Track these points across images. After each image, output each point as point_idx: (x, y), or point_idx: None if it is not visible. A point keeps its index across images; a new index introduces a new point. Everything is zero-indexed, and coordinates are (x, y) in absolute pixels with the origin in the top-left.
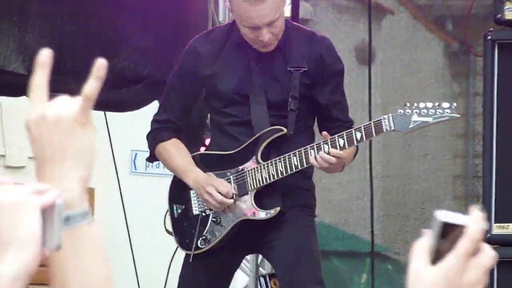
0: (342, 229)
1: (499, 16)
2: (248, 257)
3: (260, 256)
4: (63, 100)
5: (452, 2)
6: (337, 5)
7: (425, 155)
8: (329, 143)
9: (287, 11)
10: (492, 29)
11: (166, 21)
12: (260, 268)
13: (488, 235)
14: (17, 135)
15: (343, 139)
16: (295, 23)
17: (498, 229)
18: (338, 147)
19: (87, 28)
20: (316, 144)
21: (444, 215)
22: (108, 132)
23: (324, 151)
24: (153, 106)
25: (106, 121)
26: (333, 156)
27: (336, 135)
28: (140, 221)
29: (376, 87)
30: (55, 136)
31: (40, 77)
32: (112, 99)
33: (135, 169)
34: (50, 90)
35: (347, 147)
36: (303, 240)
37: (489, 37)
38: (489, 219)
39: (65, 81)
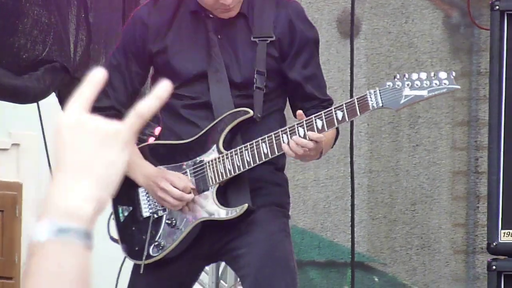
0: (319, 235)
1: None
2: (207, 268)
3: (221, 268)
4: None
5: None
6: None
7: (415, 146)
8: (305, 125)
9: None
10: None
11: None
12: (222, 281)
13: (495, 244)
14: None
15: (322, 120)
16: None
17: (506, 237)
18: (315, 129)
19: None
20: (289, 128)
21: None
22: (40, 117)
23: (300, 135)
24: None
25: (38, 104)
26: (311, 140)
27: (313, 115)
28: None
29: (360, 65)
30: (86, 145)
31: (88, 90)
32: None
33: None
34: None
35: (326, 129)
36: (276, 247)
37: (497, 7)
38: (495, 224)
39: None
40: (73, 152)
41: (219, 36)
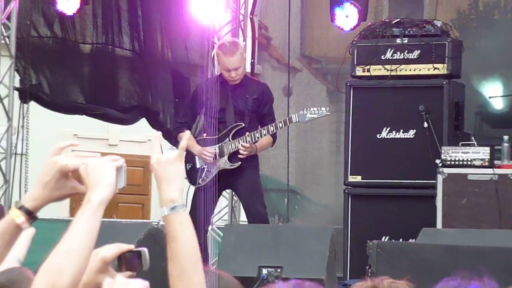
0: (277, 180)
1: (353, 73)
2: (226, 193)
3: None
4: (169, 152)
5: (331, 66)
6: (273, 67)
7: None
8: (265, 128)
9: (248, 68)
10: (350, 79)
11: (161, 74)
12: (234, 197)
13: (348, 181)
14: None
15: (273, 127)
16: (250, 76)
17: (352, 179)
18: (270, 130)
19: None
20: (260, 130)
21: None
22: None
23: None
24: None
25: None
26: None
27: (266, 126)
28: None
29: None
30: (167, 168)
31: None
32: (117, 118)
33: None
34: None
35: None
36: (254, 182)
37: (348, 84)
38: (347, 171)
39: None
40: (163, 174)
41: (232, 94)
